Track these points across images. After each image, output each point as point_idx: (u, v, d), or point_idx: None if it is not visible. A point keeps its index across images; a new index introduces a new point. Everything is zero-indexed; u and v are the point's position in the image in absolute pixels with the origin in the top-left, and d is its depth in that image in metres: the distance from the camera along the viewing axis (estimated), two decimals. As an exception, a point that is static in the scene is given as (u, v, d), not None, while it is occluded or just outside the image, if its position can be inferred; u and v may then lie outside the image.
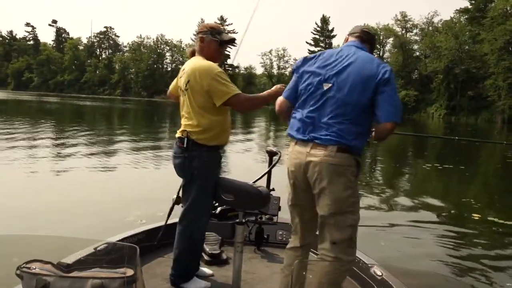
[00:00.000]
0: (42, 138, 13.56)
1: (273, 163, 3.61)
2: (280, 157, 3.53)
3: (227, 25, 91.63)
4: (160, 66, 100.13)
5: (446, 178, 9.96)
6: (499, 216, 6.42)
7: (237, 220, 2.87)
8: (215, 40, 2.85)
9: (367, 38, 2.62)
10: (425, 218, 6.19)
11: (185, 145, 2.74)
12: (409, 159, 14.44)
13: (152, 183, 7.73)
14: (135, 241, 3.12)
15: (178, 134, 2.84)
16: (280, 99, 2.62)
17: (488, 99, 51.27)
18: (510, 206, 7.55)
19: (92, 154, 10.61)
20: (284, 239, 3.63)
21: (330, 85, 2.39)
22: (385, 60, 73.77)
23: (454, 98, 55.43)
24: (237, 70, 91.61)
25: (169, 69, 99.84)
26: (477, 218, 6.25)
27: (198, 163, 2.74)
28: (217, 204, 3.45)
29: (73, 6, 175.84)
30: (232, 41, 2.96)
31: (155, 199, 6.19)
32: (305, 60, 2.56)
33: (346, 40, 2.67)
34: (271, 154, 3.64)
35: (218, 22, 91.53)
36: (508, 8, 52.21)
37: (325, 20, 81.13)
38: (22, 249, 2.65)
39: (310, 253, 2.62)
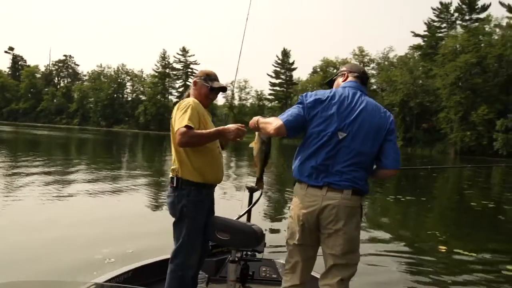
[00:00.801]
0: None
1: (256, 199, 3.61)
2: (261, 194, 3.54)
3: (189, 56, 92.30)
4: (121, 95, 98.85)
5: (409, 209, 10.18)
6: (464, 247, 6.57)
7: (230, 258, 2.91)
8: (206, 86, 2.99)
9: (366, 78, 2.75)
10: (392, 249, 6.25)
11: (175, 184, 2.82)
12: (371, 190, 14.67)
13: (114, 218, 7.39)
14: (121, 281, 3.09)
15: (170, 174, 2.91)
16: (278, 124, 2.52)
17: (441, 131, 53.42)
18: (472, 237, 7.75)
19: (47, 185, 10.14)
20: (267, 275, 3.61)
21: (345, 134, 2.48)
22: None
23: (410, 130, 57.43)
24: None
25: (130, 99, 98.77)
26: (443, 250, 6.38)
27: (187, 201, 2.79)
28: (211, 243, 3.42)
29: (32, 32, 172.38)
30: (222, 89, 3.08)
31: (119, 235, 6.01)
32: (317, 102, 2.54)
33: (346, 77, 2.73)
34: (252, 190, 3.62)
35: (180, 53, 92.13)
36: (458, 46, 55.19)
37: (286, 53, 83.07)
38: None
39: None
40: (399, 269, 5.44)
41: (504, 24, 55.22)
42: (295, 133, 2.58)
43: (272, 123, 2.57)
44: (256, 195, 3.63)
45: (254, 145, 2.76)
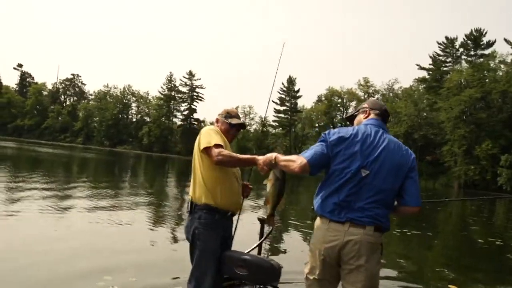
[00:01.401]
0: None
1: (267, 233, 3.61)
2: (273, 229, 3.52)
3: (195, 79, 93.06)
4: (125, 116, 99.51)
5: (416, 244, 9.97)
6: (474, 287, 6.40)
7: None
8: (226, 122, 3.26)
9: (387, 116, 2.80)
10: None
11: (189, 209, 3.00)
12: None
13: (114, 243, 7.16)
14: None
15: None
16: (303, 162, 2.53)
17: (445, 164, 53.24)
18: (480, 276, 7.56)
19: (46, 205, 10.02)
20: None
21: (368, 172, 2.51)
22: (347, 123, 76.15)
23: (413, 162, 57.20)
24: (202, 125, 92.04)
25: (134, 119, 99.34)
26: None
27: (198, 223, 2.91)
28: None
29: (42, 50, 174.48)
30: (241, 126, 3.34)
31: (120, 262, 5.84)
32: (340, 140, 2.58)
33: (368, 114, 2.78)
34: (263, 222, 3.58)
35: (187, 76, 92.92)
36: (462, 80, 55.58)
37: (291, 81, 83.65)
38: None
39: None
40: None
41: (509, 60, 55.79)
42: (318, 170, 2.60)
43: (296, 161, 2.58)
44: (267, 229, 3.61)
45: (269, 182, 2.76)
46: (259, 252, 3.60)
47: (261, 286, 3.52)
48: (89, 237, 7.35)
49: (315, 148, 2.60)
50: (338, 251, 2.48)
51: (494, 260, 9.54)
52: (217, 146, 2.91)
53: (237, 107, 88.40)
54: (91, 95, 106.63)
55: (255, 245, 3.51)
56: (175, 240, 7.73)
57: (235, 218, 3.26)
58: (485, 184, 48.44)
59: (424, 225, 13.08)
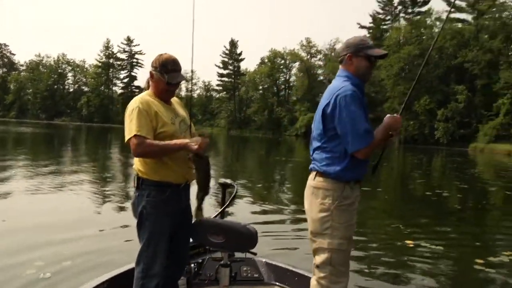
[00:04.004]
0: None
1: (231, 196, 3.32)
2: (236, 191, 3.31)
3: (134, 46, 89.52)
4: (61, 86, 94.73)
5: (369, 202, 9.90)
6: (429, 240, 6.39)
7: (222, 262, 2.84)
8: (162, 80, 2.64)
9: (339, 59, 2.68)
10: (363, 247, 5.93)
11: (136, 184, 2.63)
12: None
13: (51, 224, 6.42)
14: None
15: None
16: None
17: (386, 121, 54.89)
18: (433, 228, 7.63)
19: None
20: (249, 275, 3.48)
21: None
22: (291, 84, 76.75)
23: (356, 120, 58.55)
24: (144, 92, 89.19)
25: (71, 90, 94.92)
26: (411, 245, 6.14)
27: (146, 202, 2.58)
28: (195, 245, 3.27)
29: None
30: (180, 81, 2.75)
31: (55, 245, 5.23)
32: None
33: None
34: (225, 186, 3.37)
35: (125, 43, 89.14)
36: (401, 38, 56.82)
37: (233, 44, 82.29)
38: None
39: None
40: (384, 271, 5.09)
41: (444, 17, 57.57)
42: None
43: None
44: (229, 192, 3.37)
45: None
46: (222, 219, 3.32)
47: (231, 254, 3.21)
48: (23, 218, 6.65)
49: (360, 112, 2.47)
50: None
51: (442, 210, 9.73)
52: (137, 137, 2.46)
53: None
54: (22, 65, 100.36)
55: (219, 212, 3.23)
56: (118, 219, 7.10)
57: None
58: (423, 138, 50.55)
59: (374, 180, 13.16)
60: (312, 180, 2.52)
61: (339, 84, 2.52)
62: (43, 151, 21.38)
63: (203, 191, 2.65)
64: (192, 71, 3.17)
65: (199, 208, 2.73)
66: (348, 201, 2.45)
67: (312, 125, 2.63)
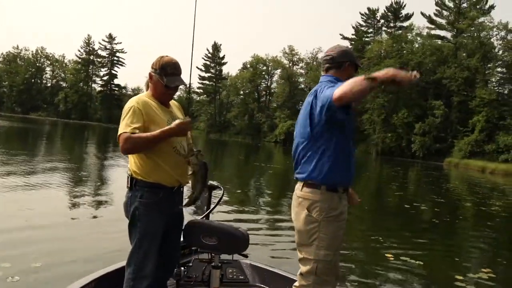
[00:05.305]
0: None
1: (219, 198, 3.31)
2: (223, 193, 3.31)
3: (115, 43, 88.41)
4: (39, 81, 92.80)
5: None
6: (407, 253, 6.36)
7: (213, 264, 2.85)
8: (161, 83, 2.62)
9: (328, 65, 2.63)
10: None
11: (129, 184, 2.60)
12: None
13: (23, 224, 6.12)
14: None
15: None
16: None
17: (364, 132, 55.44)
18: (411, 241, 7.62)
19: None
20: (235, 277, 3.50)
21: None
22: (272, 90, 76.87)
23: (335, 130, 59.00)
24: (124, 91, 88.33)
25: (49, 85, 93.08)
26: (391, 258, 6.10)
27: (139, 203, 2.55)
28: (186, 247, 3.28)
29: None
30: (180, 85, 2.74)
31: (27, 246, 4.98)
32: None
33: None
34: (211, 188, 3.33)
35: (107, 40, 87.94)
36: (382, 51, 57.61)
37: (216, 47, 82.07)
38: None
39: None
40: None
41: (425, 33, 58.62)
42: None
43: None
44: (215, 193, 3.36)
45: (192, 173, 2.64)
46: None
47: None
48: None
49: None
50: None
51: (422, 224, 9.78)
52: (124, 134, 2.46)
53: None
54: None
55: (205, 213, 3.20)
56: (95, 219, 6.89)
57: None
58: (400, 151, 51.17)
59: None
60: (299, 191, 2.47)
61: (322, 81, 2.59)
62: (19, 146, 20.73)
63: (196, 194, 2.64)
64: (190, 74, 3.10)
65: (207, 216, 2.86)
66: (335, 212, 2.42)
67: (295, 133, 2.59)
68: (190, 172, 2.60)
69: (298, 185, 2.49)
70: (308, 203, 2.41)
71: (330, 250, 2.39)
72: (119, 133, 2.50)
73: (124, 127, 2.49)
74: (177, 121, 2.51)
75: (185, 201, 2.69)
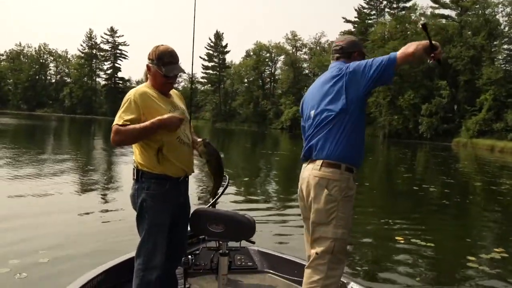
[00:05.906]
0: None
1: (224, 187, 3.26)
2: (228, 182, 3.27)
3: (117, 36, 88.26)
4: (43, 77, 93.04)
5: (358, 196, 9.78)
6: (419, 236, 6.30)
7: (221, 251, 2.85)
8: (159, 73, 2.59)
9: (338, 55, 2.71)
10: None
11: (135, 176, 2.59)
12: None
13: (31, 218, 6.18)
14: (95, 285, 2.80)
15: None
16: None
17: (371, 115, 55.14)
18: (422, 224, 7.55)
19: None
20: (243, 263, 3.54)
21: None
22: (276, 77, 76.54)
23: (341, 114, 58.72)
24: (128, 84, 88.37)
25: (53, 80, 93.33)
26: (401, 240, 6.04)
27: (146, 195, 2.55)
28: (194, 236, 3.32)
29: None
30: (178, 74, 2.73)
31: (34, 241, 4.98)
32: None
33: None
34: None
35: (108, 33, 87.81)
36: (386, 33, 56.99)
37: (218, 36, 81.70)
38: None
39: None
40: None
41: (429, 13, 57.83)
42: None
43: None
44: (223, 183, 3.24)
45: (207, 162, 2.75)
46: (214, 207, 3.27)
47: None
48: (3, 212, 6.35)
49: None
50: None
51: (431, 207, 9.70)
52: (116, 126, 2.46)
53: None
54: (1, 55, 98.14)
55: (211, 202, 3.17)
56: (103, 213, 6.85)
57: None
58: (407, 133, 50.92)
59: (360, 174, 13.14)
60: (317, 171, 2.48)
61: (337, 66, 2.64)
62: (27, 141, 20.81)
63: (215, 189, 2.75)
64: (192, 65, 3.15)
65: (213, 204, 2.89)
66: (352, 192, 2.51)
67: (307, 112, 2.63)
68: (204, 162, 2.67)
69: (314, 165, 2.50)
70: (327, 182, 2.45)
71: (346, 228, 2.47)
72: (113, 124, 2.50)
73: (117, 119, 2.48)
74: (169, 114, 2.51)
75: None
